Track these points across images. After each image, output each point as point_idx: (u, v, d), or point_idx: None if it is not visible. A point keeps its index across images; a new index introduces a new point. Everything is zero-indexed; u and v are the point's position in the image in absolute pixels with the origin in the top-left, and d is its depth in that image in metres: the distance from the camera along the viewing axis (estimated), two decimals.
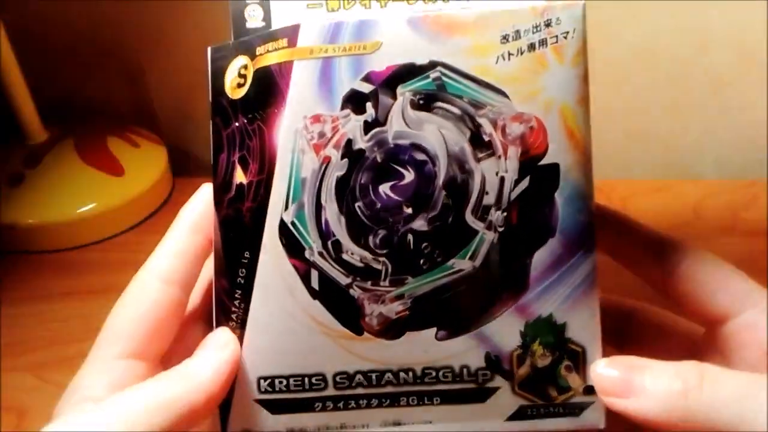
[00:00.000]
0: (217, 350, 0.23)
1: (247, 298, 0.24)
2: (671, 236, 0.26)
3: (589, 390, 0.23)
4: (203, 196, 0.26)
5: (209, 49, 0.26)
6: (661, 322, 0.27)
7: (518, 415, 0.24)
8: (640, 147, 0.52)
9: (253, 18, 0.27)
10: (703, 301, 0.24)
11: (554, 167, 0.23)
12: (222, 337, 0.24)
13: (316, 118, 0.23)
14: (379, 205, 0.23)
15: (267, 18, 0.27)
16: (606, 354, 0.25)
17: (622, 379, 0.22)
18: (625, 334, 0.28)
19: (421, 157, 0.23)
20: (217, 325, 0.24)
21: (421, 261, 0.23)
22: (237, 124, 0.24)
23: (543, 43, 0.22)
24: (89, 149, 0.52)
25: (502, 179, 0.23)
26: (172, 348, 0.25)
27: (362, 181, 0.23)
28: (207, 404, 0.22)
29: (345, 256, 0.23)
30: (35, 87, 0.51)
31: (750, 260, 0.37)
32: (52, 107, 0.54)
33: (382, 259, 0.23)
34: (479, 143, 0.23)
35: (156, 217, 0.51)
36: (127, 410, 0.21)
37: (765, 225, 0.41)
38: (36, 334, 0.41)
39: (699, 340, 0.26)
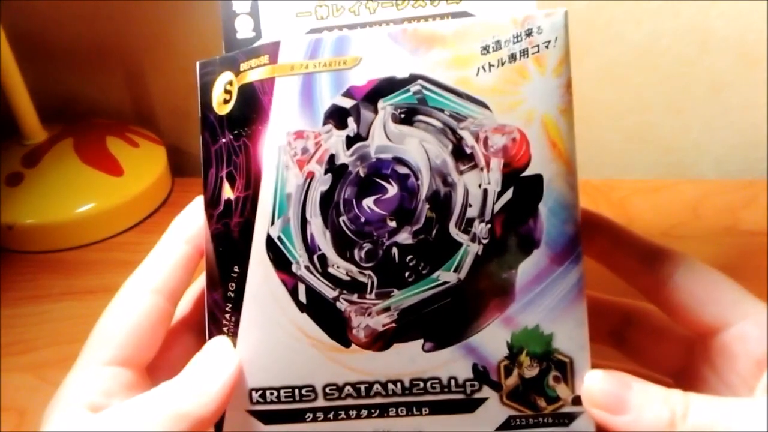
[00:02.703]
0: (221, 362, 0.24)
1: (237, 312, 0.24)
2: (663, 245, 0.25)
3: (578, 400, 0.23)
4: (195, 207, 0.26)
5: (198, 64, 0.26)
6: (660, 322, 0.27)
7: (507, 425, 0.24)
8: (640, 147, 0.52)
9: (244, 29, 0.27)
10: (694, 312, 0.24)
11: (537, 178, 0.23)
12: (224, 347, 0.24)
13: (299, 134, 0.23)
14: (363, 219, 0.23)
15: (257, 28, 0.27)
16: (602, 356, 0.25)
17: (614, 394, 0.22)
18: (624, 335, 0.28)
19: (403, 170, 0.23)
20: (210, 338, 0.25)
21: (407, 274, 0.23)
22: (224, 140, 0.24)
23: (524, 53, 0.22)
24: (89, 149, 0.52)
25: (485, 191, 0.23)
26: (159, 356, 0.25)
27: (346, 196, 0.23)
28: (214, 418, 0.23)
29: (331, 270, 0.23)
30: (35, 87, 0.52)
31: (750, 260, 0.37)
32: (52, 107, 0.55)
33: (367, 272, 0.23)
34: (461, 156, 0.23)
35: (155, 216, 0.51)
36: (139, 420, 0.22)
37: (765, 225, 0.41)
38: (36, 334, 0.41)
39: (696, 341, 0.25)
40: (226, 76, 0.25)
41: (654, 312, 0.27)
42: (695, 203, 0.44)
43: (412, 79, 0.23)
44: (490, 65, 0.22)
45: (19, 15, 0.56)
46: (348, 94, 0.23)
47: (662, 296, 0.25)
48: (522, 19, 0.22)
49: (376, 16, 0.26)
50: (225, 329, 0.24)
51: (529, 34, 0.22)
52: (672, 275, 0.25)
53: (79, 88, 0.61)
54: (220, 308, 0.24)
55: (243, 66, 0.24)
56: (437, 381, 0.24)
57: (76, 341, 0.39)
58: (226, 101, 0.25)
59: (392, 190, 0.23)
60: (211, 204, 0.25)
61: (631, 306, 0.28)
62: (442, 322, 0.23)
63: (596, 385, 0.23)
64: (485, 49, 0.22)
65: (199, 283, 0.28)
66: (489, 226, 0.23)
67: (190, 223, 0.26)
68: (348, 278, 0.23)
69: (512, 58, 0.22)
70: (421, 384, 0.24)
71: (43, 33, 0.58)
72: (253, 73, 0.24)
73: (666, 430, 0.21)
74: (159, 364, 0.26)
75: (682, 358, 0.26)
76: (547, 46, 0.22)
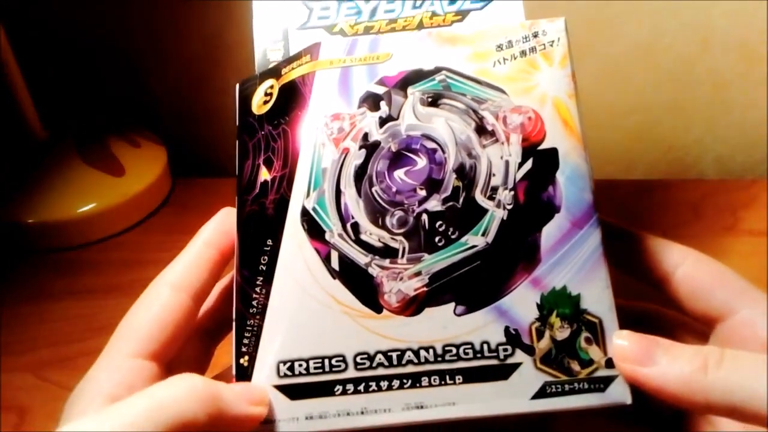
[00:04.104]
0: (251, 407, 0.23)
1: (268, 284, 0.24)
2: (668, 240, 0.27)
3: (612, 363, 0.23)
4: (221, 216, 0.27)
5: (238, 84, 0.29)
6: (672, 324, 0.27)
7: (542, 392, 0.23)
8: (641, 146, 0.52)
9: None
10: (702, 300, 0.25)
11: (553, 151, 0.25)
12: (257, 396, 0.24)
13: (336, 116, 0.26)
14: (394, 189, 0.25)
15: None
16: None
17: (643, 347, 0.22)
18: None
19: (431, 145, 0.25)
20: (237, 316, 0.24)
21: (437, 238, 0.24)
22: (263, 132, 0.27)
23: (533, 50, 0.26)
24: (90, 149, 0.53)
25: (507, 162, 0.25)
26: (179, 354, 0.25)
27: (378, 168, 0.25)
28: None
29: (364, 237, 0.24)
30: (36, 87, 0.52)
31: (750, 259, 0.38)
32: (54, 107, 0.55)
33: (399, 238, 0.24)
34: (483, 132, 0.25)
35: (156, 217, 0.50)
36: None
37: (765, 224, 0.41)
38: (36, 333, 0.41)
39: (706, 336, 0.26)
40: (268, 83, 0.28)
41: (664, 313, 0.28)
42: (696, 203, 0.44)
43: (437, 70, 0.26)
44: (504, 59, 0.26)
45: (20, 14, 0.56)
46: (381, 82, 0.26)
47: (672, 287, 0.26)
48: (529, 24, 0.26)
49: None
50: (254, 302, 0.24)
51: (535, 35, 0.26)
52: (680, 266, 0.26)
53: (81, 88, 0.62)
54: (251, 283, 0.25)
55: (284, 70, 0.27)
56: (470, 346, 0.23)
57: (76, 341, 0.39)
58: (266, 102, 0.27)
59: (421, 162, 0.25)
60: (246, 190, 0.26)
61: (642, 308, 0.28)
62: (473, 284, 0.24)
63: (624, 340, 0.23)
64: (499, 47, 0.26)
65: (217, 288, 0.28)
66: (512, 192, 0.24)
67: (214, 229, 0.27)
68: (380, 244, 0.24)
69: (523, 53, 0.26)
70: (454, 350, 0.23)
71: (44, 33, 0.59)
72: (295, 72, 0.27)
73: (700, 377, 0.21)
74: (177, 363, 0.25)
75: None
76: (551, 45, 0.26)
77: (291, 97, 0.26)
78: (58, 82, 0.61)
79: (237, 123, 0.28)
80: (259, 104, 0.27)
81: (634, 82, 0.51)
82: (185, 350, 0.26)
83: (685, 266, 0.26)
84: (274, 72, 0.28)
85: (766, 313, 0.24)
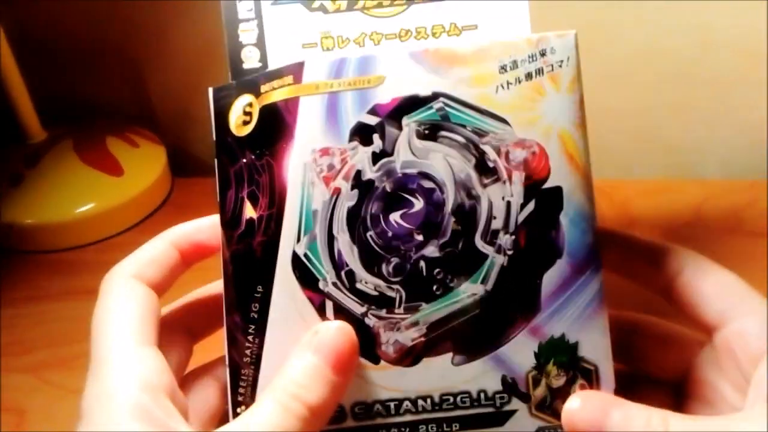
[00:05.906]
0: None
1: (261, 333, 0.24)
2: (671, 244, 0.26)
3: None
4: (198, 222, 0.26)
5: (210, 90, 0.26)
6: (665, 333, 0.27)
7: None
8: (642, 147, 0.52)
9: (250, 59, 0.28)
10: (700, 307, 0.25)
11: (557, 190, 0.23)
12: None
13: (325, 151, 0.24)
14: (390, 234, 0.23)
15: (263, 59, 0.27)
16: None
17: (593, 421, 0.22)
18: (630, 348, 0.28)
19: (429, 185, 0.23)
20: (230, 363, 0.24)
21: (434, 287, 0.23)
22: (245, 160, 0.24)
23: (539, 71, 0.23)
24: (89, 149, 0.53)
25: (509, 204, 0.23)
26: None
27: (373, 211, 0.23)
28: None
29: (359, 286, 0.23)
30: (35, 87, 0.52)
31: (752, 261, 0.37)
32: (52, 107, 0.55)
33: (395, 286, 0.23)
34: (484, 169, 0.23)
35: (155, 217, 0.51)
36: None
37: (767, 225, 0.41)
38: (36, 334, 0.41)
39: (702, 350, 0.26)
40: (245, 99, 0.25)
41: (657, 322, 0.28)
42: (698, 204, 0.44)
43: (435, 96, 0.23)
44: (508, 83, 0.23)
45: (20, 15, 0.55)
46: (373, 111, 0.23)
47: (673, 294, 0.25)
48: (536, 39, 0.24)
49: (380, 48, 0.27)
50: (248, 352, 0.24)
51: (543, 54, 0.24)
52: (680, 272, 0.25)
53: (80, 88, 0.61)
54: (242, 330, 0.24)
55: (264, 88, 0.25)
56: (467, 395, 0.24)
57: (76, 341, 0.39)
58: (245, 123, 0.25)
59: (418, 204, 0.23)
60: (231, 225, 0.25)
61: (635, 318, 0.29)
62: (471, 334, 0.23)
63: (576, 413, 0.22)
64: (503, 68, 0.23)
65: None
66: (513, 237, 0.23)
67: (184, 233, 0.26)
68: (376, 293, 0.23)
69: (528, 76, 0.23)
70: (451, 399, 0.24)
71: (44, 33, 0.58)
72: (276, 94, 0.24)
73: None
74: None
75: (687, 363, 0.27)
76: (560, 65, 0.24)
77: (274, 124, 0.24)
78: (57, 83, 0.59)
79: (214, 137, 0.26)
80: (237, 124, 0.25)
81: (634, 84, 0.50)
82: (167, 346, 0.25)
83: (684, 274, 0.25)
84: (253, 87, 0.25)
85: (761, 323, 0.24)
